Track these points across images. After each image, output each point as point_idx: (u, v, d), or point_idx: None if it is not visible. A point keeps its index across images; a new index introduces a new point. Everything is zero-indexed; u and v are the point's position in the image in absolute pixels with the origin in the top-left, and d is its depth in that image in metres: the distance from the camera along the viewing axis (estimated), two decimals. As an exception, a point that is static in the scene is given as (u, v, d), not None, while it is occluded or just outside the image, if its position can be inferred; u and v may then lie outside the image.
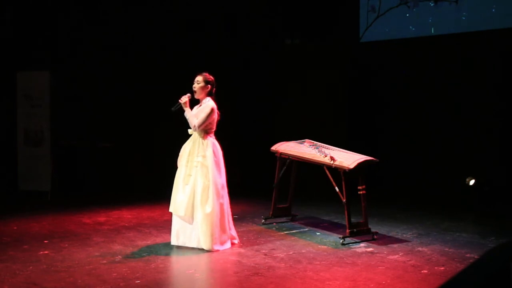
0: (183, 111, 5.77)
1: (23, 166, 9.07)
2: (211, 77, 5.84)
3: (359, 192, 6.03)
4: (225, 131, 6.23)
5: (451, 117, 8.74)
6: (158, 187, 8.09)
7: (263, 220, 6.92)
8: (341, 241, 5.89)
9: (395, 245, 5.83)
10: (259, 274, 4.80)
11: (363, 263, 5.16)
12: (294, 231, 6.59)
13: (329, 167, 6.04)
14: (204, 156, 5.63)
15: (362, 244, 5.86)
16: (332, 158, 5.99)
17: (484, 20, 8.38)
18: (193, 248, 5.61)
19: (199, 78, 5.79)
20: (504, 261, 1.71)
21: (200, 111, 5.73)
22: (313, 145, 6.59)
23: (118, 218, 7.25)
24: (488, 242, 5.99)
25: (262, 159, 8.45)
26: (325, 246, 5.82)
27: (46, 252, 5.53)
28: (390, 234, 6.35)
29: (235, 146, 9.29)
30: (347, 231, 5.95)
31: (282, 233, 6.48)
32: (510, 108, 8.27)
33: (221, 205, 5.66)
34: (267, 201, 7.26)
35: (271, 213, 6.98)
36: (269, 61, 10.31)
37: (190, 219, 5.64)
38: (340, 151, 6.34)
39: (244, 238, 6.10)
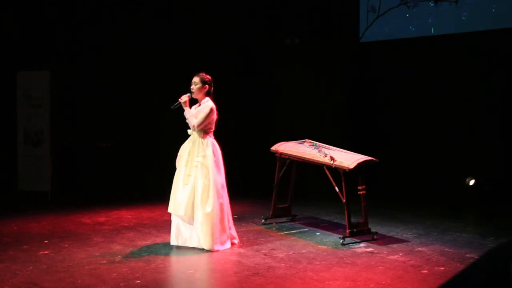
0: (183, 110, 5.76)
1: (23, 166, 9.06)
2: (208, 76, 5.81)
3: (359, 192, 6.02)
4: (225, 131, 6.23)
5: (451, 117, 8.73)
6: (158, 187, 8.08)
7: (263, 220, 6.92)
8: (341, 241, 5.88)
9: (395, 245, 5.83)
10: (259, 274, 4.80)
11: (363, 263, 5.16)
12: (294, 231, 6.59)
13: (329, 167, 6.04)
14: (204, 156, 5.62)
15: (362, 244, 5.86)
16: (332, 158, 5.99)
17: (484, 20, 8.38)
18: (193, 248, 5.61)
19: (196, 79, 5.77)
20: (504, 261, 1.71)
21: (199, 111, 5.72)
22: (313, 145, 6.58)
23: (118, 218, 7.25)
24: (488, 242, 5.98)
25: (262, 159, 8.44)
26: (325, 246, 5.82)
27: (46, 252, 5.53)
28: (390, 234, 6.35)
29: (235, 146, 9.30)
30: (347, 231, 5.95)
31: (282, 233, 6.48)
32: (510, 108, 8.26)
33: (221, 205, 5.65)
34: (267, 201, 7.26)
35: (271, 213, 6.98)
36: (269, 61, 10.31)
37: (191, 219, 5.63)
38: (340, 151, 6.33)
39: (244, 238, 6.10)
